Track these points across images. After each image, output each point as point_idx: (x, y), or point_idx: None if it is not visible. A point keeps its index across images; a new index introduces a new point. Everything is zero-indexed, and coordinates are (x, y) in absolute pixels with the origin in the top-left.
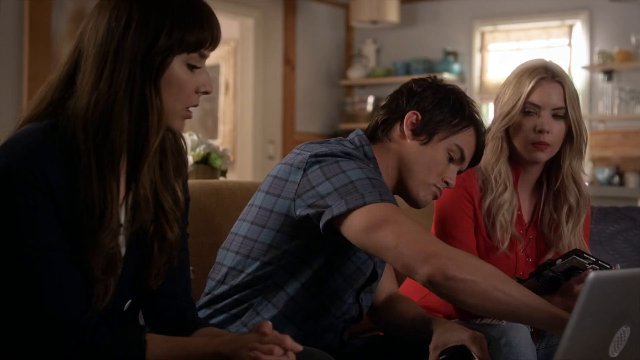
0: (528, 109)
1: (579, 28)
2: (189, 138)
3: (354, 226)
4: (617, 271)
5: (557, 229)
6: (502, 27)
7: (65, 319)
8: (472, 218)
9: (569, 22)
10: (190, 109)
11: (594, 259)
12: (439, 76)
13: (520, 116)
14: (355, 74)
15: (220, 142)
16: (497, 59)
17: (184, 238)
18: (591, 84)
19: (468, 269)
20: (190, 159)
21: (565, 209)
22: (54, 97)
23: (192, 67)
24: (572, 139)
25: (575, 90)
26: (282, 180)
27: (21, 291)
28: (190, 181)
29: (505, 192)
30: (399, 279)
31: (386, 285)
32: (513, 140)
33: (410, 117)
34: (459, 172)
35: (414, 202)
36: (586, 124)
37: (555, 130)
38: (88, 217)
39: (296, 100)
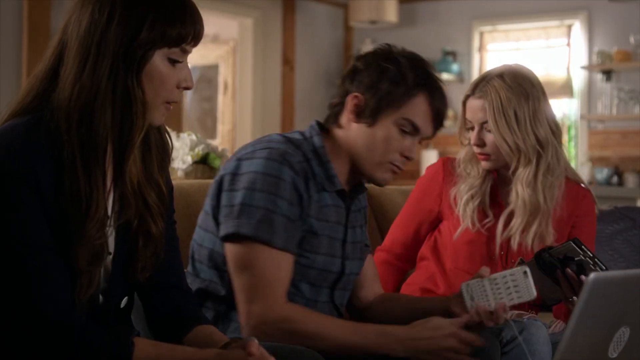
0: (468, 125)
1: (578, 28)
2: (188, 138)
3: (229, 260)
4: (617, 272)
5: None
6: (501, 27)
7: (53, 316)
8: (430, 210)
9: (567, 22)
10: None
11: (591, 254)
12: (395, 45)
13: (467, 131)
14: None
15: (219, 142)
16: (496, 59)
17: (172, 226)
18: (590, 84)
19: (290, 336)
20: (189, 159)
21: (514, 209)
22: (39, 90)
23: (173, 62)
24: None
25: (504, 104)
26: (214, 182)
27: (9, 288)
28: (189, 181)
29: (469, 177)
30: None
31: (374, 285)
32: None
33: (351, 100)
34: (425, 138)
35: (373, 182)
36: (585, 124)
37: (489, 142)
38: (74, 209)
39: (295, 100)
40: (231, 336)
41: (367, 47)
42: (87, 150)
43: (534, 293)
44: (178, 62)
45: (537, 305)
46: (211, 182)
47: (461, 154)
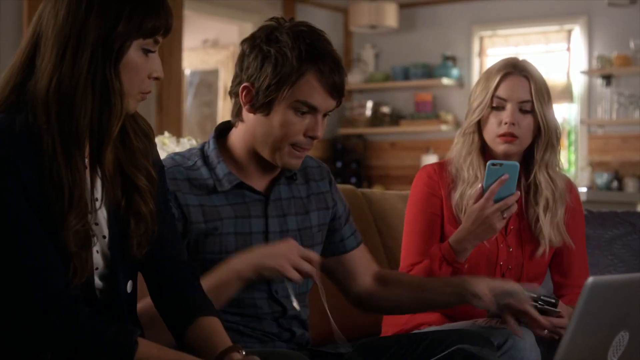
0: (496, 104)
1: (578, 33)
2: (188, 143)
3: None
4: (616, 276)
5: (538, 222)
6: (500, 31)
7: (42, 298)
8: (438, 215)
9: (567, 26)
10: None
11: (535, 295)
12: (285, 19)
13: (489, 111)
14: (354, 78)
15: None
16: None
17: (166, 204)
18: (590, 89)
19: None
20: None
21: (542, 203)
22: (16, 82)
23: (146, 52)
24: (540, 132)
25: (544, 86)
26: None
27: (5, 281)
28: None
29: (475, 183)
30: None
31: (368, 270)
32: (484, 135)
33: (242, 92)
34: (328, 113)
35: (281, 167)
36: (585, 128)
37: (523, 123)
38: (57, 198)
39: None
40: None
41: (368, 52)
42: (68, 139)
43: None
44: (151, 52)
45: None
46: None
47: (452, 153)
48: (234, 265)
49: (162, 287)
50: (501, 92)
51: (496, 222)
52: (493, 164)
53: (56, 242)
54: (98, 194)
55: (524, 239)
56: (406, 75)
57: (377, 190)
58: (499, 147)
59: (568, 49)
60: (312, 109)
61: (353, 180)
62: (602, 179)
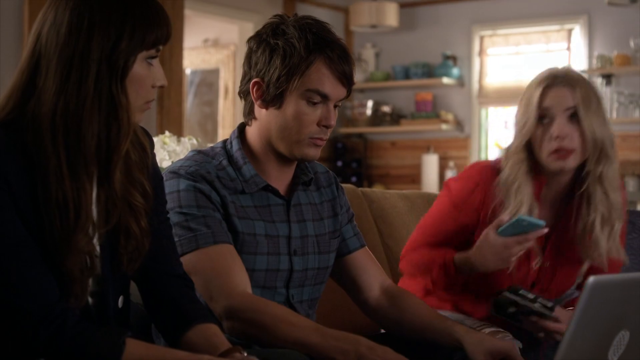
0: (542, 116)
1: (578, 32)
2: (189, 142)
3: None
4: (617, 275)
5: (592, 236)
6: (501, 31)
7: (35, 310)
8: (467, 225)
9: (568, 26)
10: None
11: (532, 297)
12: (288, 15)
13: (536, 127)
14: (355, 78)
15: None
16: (496, 63)
17: (163, 215)
18: None
19: (250, 326)
20: None
21: (598, 217)
22: (17, 101)
23: (149, 63)
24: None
25: (593, 92)
26: None
27: None
28: None
29: (521, 207)
30: (394, 278)
31: (376, 278)
32: (536, 153)
33: (253, 87)
34: (342, 100)
35: (299, 161)
36: None
37: (575, 135)
38: (62, 219)
39: None
40: None
41: (368, 51)
42: (75, 160)
43: None
44: (153, 58)
45: (513, 325)
46: None
47: (506, 170)
48: (340, 342)
49: (157, 299)
50: (548, 102)
51: (512, 257)
52: (522, 220)
53: (58, 266)
54: (102, 213)
55: (562, 255)
56: (407, 74)
57: (377, 190)
58: (555, 163)
59: (568, 49)
60: (324, 97)
61: (353, 179)
62: None
